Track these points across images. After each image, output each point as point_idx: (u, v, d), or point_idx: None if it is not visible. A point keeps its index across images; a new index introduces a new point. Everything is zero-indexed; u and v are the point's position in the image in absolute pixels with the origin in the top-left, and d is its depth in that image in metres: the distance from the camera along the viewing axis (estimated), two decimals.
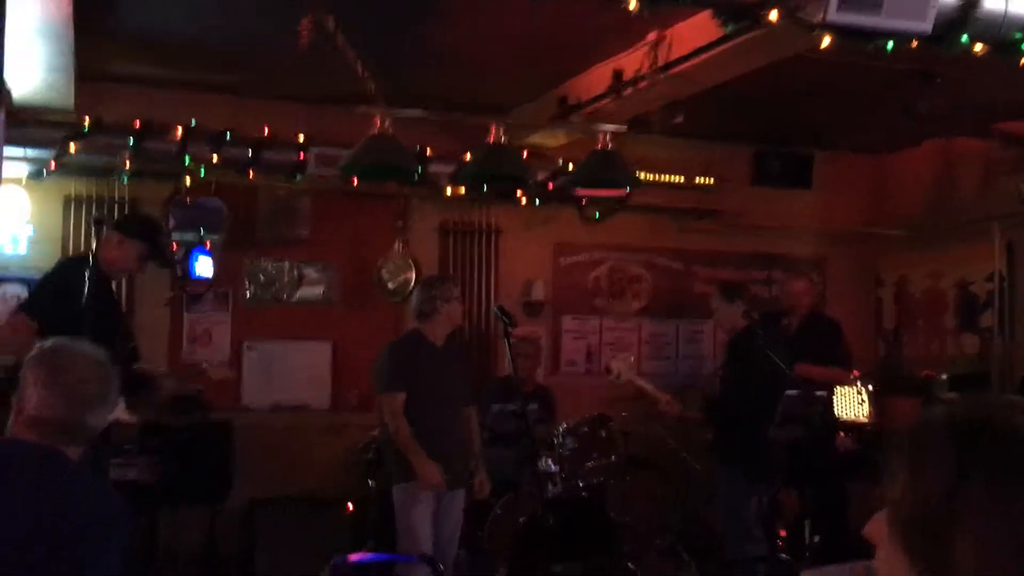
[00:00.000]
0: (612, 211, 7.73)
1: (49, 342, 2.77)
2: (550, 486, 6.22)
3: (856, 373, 7.63)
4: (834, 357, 6.88)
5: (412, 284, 7.65)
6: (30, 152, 6.53)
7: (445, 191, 7.36)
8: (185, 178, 6.92)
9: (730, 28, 3.84)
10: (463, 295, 7.65)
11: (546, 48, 6.05)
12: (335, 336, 7.74)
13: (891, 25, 3.75)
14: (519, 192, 7.43)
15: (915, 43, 4.01)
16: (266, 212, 7.40)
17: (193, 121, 6.73)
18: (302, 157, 6.89)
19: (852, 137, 8.51)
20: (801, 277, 7.38)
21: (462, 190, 7.27)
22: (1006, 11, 3.96)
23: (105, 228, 4.97)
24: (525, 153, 7.26)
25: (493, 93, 7.19)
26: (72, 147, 6.39)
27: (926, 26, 3.78)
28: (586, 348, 8.36)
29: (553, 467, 6.30)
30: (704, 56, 5.20)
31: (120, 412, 5.05)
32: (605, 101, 6.22)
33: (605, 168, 5.61)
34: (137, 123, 6.59)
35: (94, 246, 4.72)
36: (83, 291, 4.46)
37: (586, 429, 6.42)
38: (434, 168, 7.19)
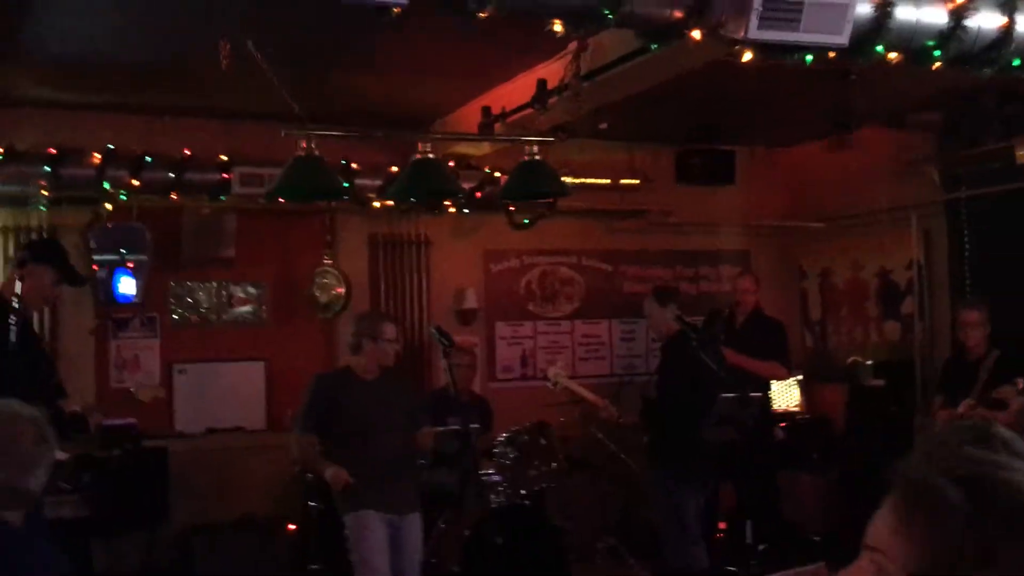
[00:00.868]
0: (540, 216, 7.76)
1: None
2: (492, 497, 6.24)
3: (791, 375, 7.82)
4: (775, 355, 7.03)
5: (343, 299, 7.61)
6: None
7: (372, 204, 7.32)
8: (105, 203, 6.76)
9: (654, 47, 3.89)
10: (394, 307, 7.68)
11: (469, 58, 6.05)
12: (268, 355, 7.66)
13: (809, 40, 3.84)
14: (447, 202, 7.43)
15: (832, 54, 4.11)
16: (191, 233, 7.26)
17: (111, 145, 6.59)
18: (225, 177, 6.79)
19: (771, 133, 8.67)
20: (748, 275, 7.54)
21: (390, 202, 7.24)
22: (918, 21, 4.08)
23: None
24: (451, 163, 7.28)
25: (416, 103, 7.17)
26: None
27: (843, 40, 3.87)
28: (521, 353, 8.39)
29: (495, 477, 6.32)
30: (626, 65, 5.26)
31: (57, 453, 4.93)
32: (529, 110, 6.23)
33: (534, 179, 5.64)
34: (52, 149, 6.43)
35: (18, 285, 4.55)
36: (6, 333, 4.33)
37: (526, 437, 6.47)
38: (361, 182, 7.17)
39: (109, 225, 6.91)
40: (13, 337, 4.33)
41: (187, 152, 6.80)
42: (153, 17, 5.05)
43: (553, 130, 6.45)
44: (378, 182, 7.20)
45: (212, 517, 7.02)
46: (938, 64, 4.26)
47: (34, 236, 6.87)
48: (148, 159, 6.63)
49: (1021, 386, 5.69)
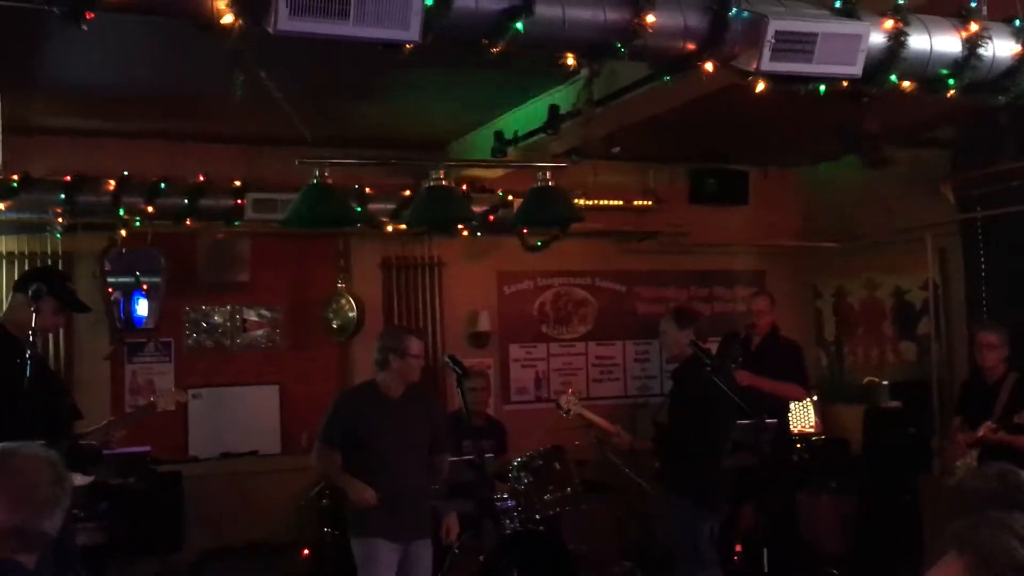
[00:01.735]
0: (554, 239, 7.76)
1: None
2: (507, 522, 6.22)
3: (810, 395, 7.75)
4: (793, 377, 6.96)
5: (355, 322, 7.62)
6: None
7: (386, 228, 7.33)
8: (120, 230, 6.79)
9: (667, 79, 3.89)
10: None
11: (481, 84, 6.06)
12: (282, 379, 7.68)
13: (822, 71, 3.83)
14: (460, 225, 7.43)
15: (846, 83, 4.10)
16: (205, 258, 7.29)
17: (126, 171, 6.63)
18: (239, 202, 6.81)
19: (785, 153, 8.65)
20: (763, 295, 7.44)
21: (403, 226, 7.26)
22: (931, 50, 4.06)
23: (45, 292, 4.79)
24: (464, 186, 7.29)
25: (429, 128, 7.20)
26: (1, 205, 6.24)
27: (856, 70, 3.87)
28: (535, 375, 8.38)
29: (509, 503, 6.30)
30: (639, 91, 5.26)
31: (76, 479, 4.96)
32: (542, 134, 6.24)
33: (547, 205, 5.64)
34: (68, 177, 6.47)
35: (34, 318, 4.56)
36: (22, 367, 4.33)
37: (540, 462, 6.45)
38: (374, 206, 7.18)
39: (124, 251, 6.95)
40: (28, 372, 4.33)
41: (202, 178, 6.83)
42: (167, 48, 5.08)
43: (566, 154, 6.47)
44: (391, 206, 7.20)
45: (227, 542, 7.04)
46: (952, 92, 4.24)
47: (49, 262, 6.92)
48: (163, 185, 6.66)
49: None
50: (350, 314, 7.64)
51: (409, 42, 3.39)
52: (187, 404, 7.33)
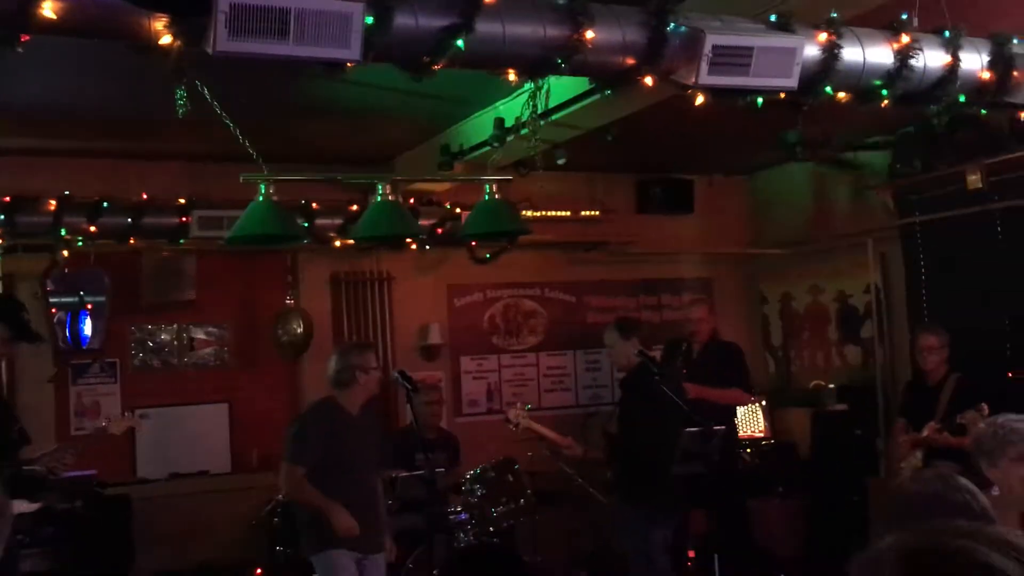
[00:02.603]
0: (502, 251, 7.78)
1: None
2: (461, 535, 6.22)
3: (754, 398, 7.85)
4: (735, 380, 7.06)
5: (305, 339, 7.58)
6: None
7: (334, 244, 7.31)
8: (62, 250, 6.70)
9: (608, 92, 3.94)
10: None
11: (427, 99, 6.07)
12: (231, 397, 7.61)
13: (759, 84, 3.90)
14: (408, 239, 7.43)
15: (783, 95, 4.17)
16: (150, 276, 7.22)
17: (67, 191, 6.54)
18: (184, 220, 6.75)
19: (727, 161, 8.77)
20: (700, 304, 7.57)
21: (351, 241, 7.23)
22: (864, 62, 4.16)
23: None
24: (412, 200, 7.29)
25: (376, 143, 7.19)
26: None
27: (792, 83, 3.94)
28: (487, 387, 8.39)
29: (463, 516, 6.31)
30: (582, 103, 5.31)
31: (22, 506, 4.88)
32: (488, 147, 6.27)
33: (493, 218, 5.64)
34: (7, 197, 6.37)
35: None
36: None
37: (493, 474, 6.46)
38: (321, 221, 7.15)
39: (67, 271, 6.85)
40: None
41: (145, 196, 6.76)
42: (107, 66, 5.03)
43: (513, 166, 6.50)
44: (338, 221, 7.18)
45: (178, 564, 6.95)
46: (885, 102, 4.34)
47: None
48: (105, 204, 6.58)
49: (986, 412, 5.75)
50: (299, 331, 7.59)
51: (350, 61, 3.40)
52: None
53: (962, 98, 4.46)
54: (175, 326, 7.53)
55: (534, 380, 8.57)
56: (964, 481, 2.42)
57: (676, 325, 8.70)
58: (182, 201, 6.82)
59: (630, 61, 3.80)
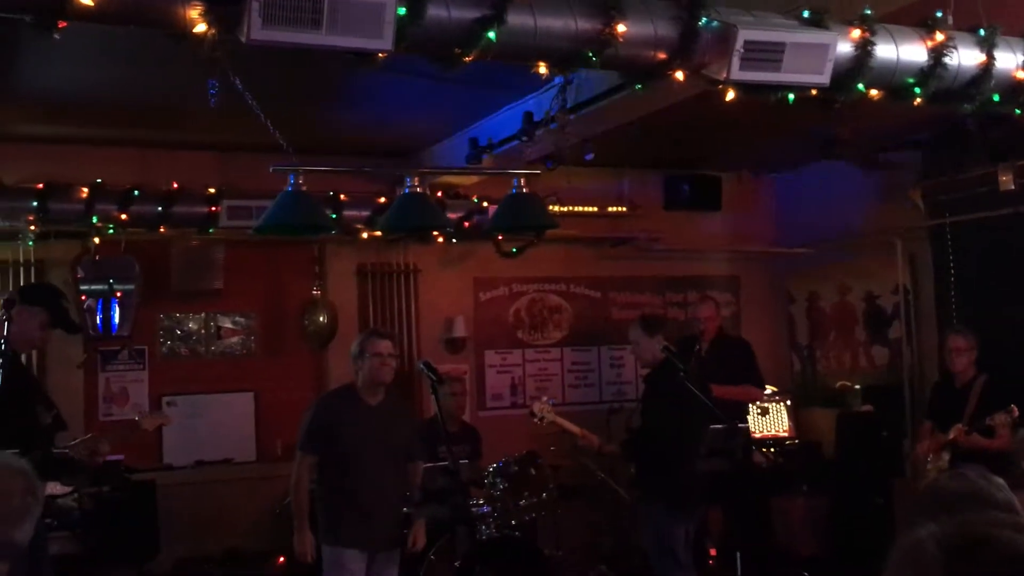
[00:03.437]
0: (529, 245, 7.79)
1: None
2: (483, 528, 6.24)
3: (765, 391, 7.78)
4: (745, 376, 7.04)
5: (330, 329, 7.61)
6: None
7: (361, 235, 7.34)
8: (93, 237, 6.76)
9: (638, 87, 3.93)
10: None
11: (456, 92, 6.08)
12: (257, 386, 7.66)
13: (791, 80, 3.89)
14: (435, 232, 7.45)
15: (814, 91, 4.15)
16: (179, 265, 7.27)
17: (99, 179, 6.60)
18: (214, 210, 6.80)
19: (756, 159, 8.72)
20: (707, 302, 7.52)
21: (378, 233, 7.27)
22: (898, 59, 4.13)
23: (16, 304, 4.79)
24: (439, 193, 7.31)
25: (404, 135, 7.22)
26: None
27: (824, 79, 3.92)
28: (511, 381, 8.40)
29: (485, 508, 6.32)
30: (612, 98, 5.30)
31: (54, 488, 4.94)
32: (516, 141, 6.27)
33: (521, 212, 5.65)
34: (41, 184, 6.44)
35: (6, 327, 4.55)
36: None
37: (516, 468, 6.48)
38: (349, 213, 7.19)
39: (97, 258, 6.92)
40: (1, 381, 4.32)
41: (175, 185, 6.82)
42: (140, 55, 5.07)
43: (540, 160, 6.49)
44: (366, 213, 7.22)
45: (202, 550, 7.02)
46: (918, 100, 4.30)
47: (22, 270, 6.88)
48: (136, 193, 6.64)
49: (1016, 414, 5.71)
50: (324, 321, 7.63)
51: (382, 51, 3.41)
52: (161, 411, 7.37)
53: (996, 97, 4.42)
54: (203, 314, 7.59)
55: (558, 375, 8.57)
56: (1000, 479, 2.40)
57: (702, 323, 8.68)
58: (212, 190, 6.88)
59: (661, 55, 3.80)
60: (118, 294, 7.11)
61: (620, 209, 8.48)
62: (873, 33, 4.06)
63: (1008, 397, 5.84)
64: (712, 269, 9.11)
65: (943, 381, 6.73)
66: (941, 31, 4.23)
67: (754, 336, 8.91)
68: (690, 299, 8.86)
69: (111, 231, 6.76)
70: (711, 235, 8.93)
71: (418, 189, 5.51)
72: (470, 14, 3.48)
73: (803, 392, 8.87)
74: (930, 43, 4.19)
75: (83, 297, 7.05)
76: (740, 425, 5.36)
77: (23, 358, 5.37)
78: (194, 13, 3.18)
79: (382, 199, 7.16)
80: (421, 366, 4.98)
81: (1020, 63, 4.45)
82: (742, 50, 3.69)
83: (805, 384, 8.97)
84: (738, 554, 5.86)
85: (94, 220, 6.57)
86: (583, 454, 6.68)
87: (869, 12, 4.08)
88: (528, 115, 6.05)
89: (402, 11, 3.35)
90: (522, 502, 6.41)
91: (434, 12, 3.43)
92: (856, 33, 4.05)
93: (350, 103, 6.38)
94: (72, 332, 5.60)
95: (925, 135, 7.52)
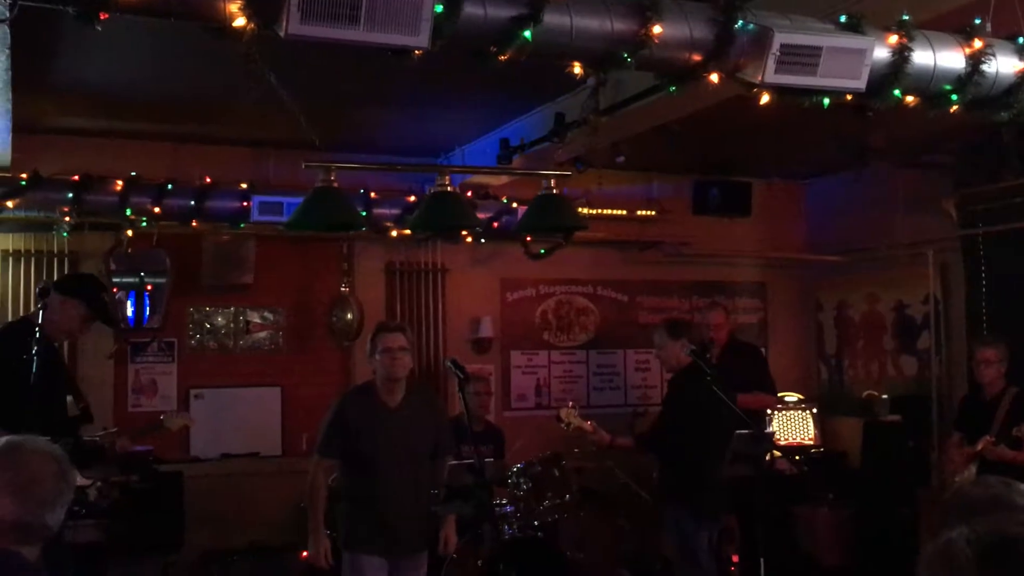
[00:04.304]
0: (557, 247, 7.80)
1: (2, 441, 2.73)
2: (505, 528, 6.24)
3: (777, 397, 7.71)
4: (757, 382, 6.98)
5: (357, 326, 7.65)
6: None
7: (390, 233, 7.37)
8: (126, 230, 6.83)
9: (673, 88, 3.93)
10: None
11: (488, 92, 6.10)
12: (284, 381, 7.71)
13: (826, 84, 3.87)
14: (464, 232, 7.47)
15: (850, 97, 4.13)
16: (210, 259, 7.32)
17: (134, 172, 6.67)
18: (245, 205, 6.85)
19: (786, 165, 8.69)
20: (716, 308, 7.41)
21: (408, 231, 7.29)
22: (935, 66, 4.10)
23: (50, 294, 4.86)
24: (469, 192, 7.33)
25: (435, 134, 7.24)
26: (10, 203, 6.28)
27: (860, 84, 3.90)
28: (536, 382, 8.41)
29: (508, 508, 6.33)
30: (644, 101, 5.29)
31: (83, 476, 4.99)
32: (547, 142, 6.27)
33: (551, 213, 5.66)
34: (76, 176, 6.52)
35: (40, 315, 4.61)
36: (30, 362, 4.37)
37: (539, 469, 6.47)
38: (379, 211, 7.23)
39: (130, 250, 6.99)
40: (34, 368, 4.37)
41: (208, 180, 6.88)
42: (177, 50, 5.13)
43: (571, 162, 6.50)
44: (396, 211, 7.25)
45: (227, 542, 7.06)
46: (955, 108, 4.27)
47: (56, 261, 6.97)
48: (170, 186, 6.71)
49: None
50: (351, 318, 7.66)
51: (418, 48, 3.43)
52: (189, 405, 7.43)
53: None
54: (232, 309, 7.65)
55: (583, 377, 8.57)
56: (1022, 486, 2.39)
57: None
58: (244, 186, 6.93)
59: (696, 57, 3.79)
60: (149, 287, 7.18)
61: (649, 213, 8.47)
62: (911, 39, 4.04)
63: None
64: (740, 275, 9.08)
65: (972, 393, 6.67)
66: (979, 38, 4.20)
67: (781, 343, 8.91)
68: (718, 304, 8.83)
69: (144, 224, 6.83)
70: (740, 241, 8.90)
71: (448, 188, 5.53)
72: (506, 13, 3.49)
73: (830, 401, 8.82)
74: (968, 50, 4.16)
75: (115, 289, 7.13)
76: (767, 431, 5.32)
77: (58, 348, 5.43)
78: (234, 7, 3.21)
79: (412, 198, 7.19)
80: (448, 364, 4.96)
81: None
82: (778, 53, 3.68)
83: (832, 393, 8.92)
84: (762, 560, 5.83)
85: (128, 213, 6.64)
86: (609, 457, 6.67)
87: (907, 18, 4.05)
88: (560, 116, 6.05)
89: (439, 8, 3.36)
90: (545, 503, 6.41)
91: (470, 10, 3.44)
92: (893, 39, 4.03)
93: (383, 102, 6.41)
94: (110, 325, 5.65)
95: (959, 144, 7.47)
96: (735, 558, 7.20)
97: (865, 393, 8.51)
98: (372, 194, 7.16)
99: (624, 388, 8.69)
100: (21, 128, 5.73)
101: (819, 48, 3.76)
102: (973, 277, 7.55)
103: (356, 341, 7.70)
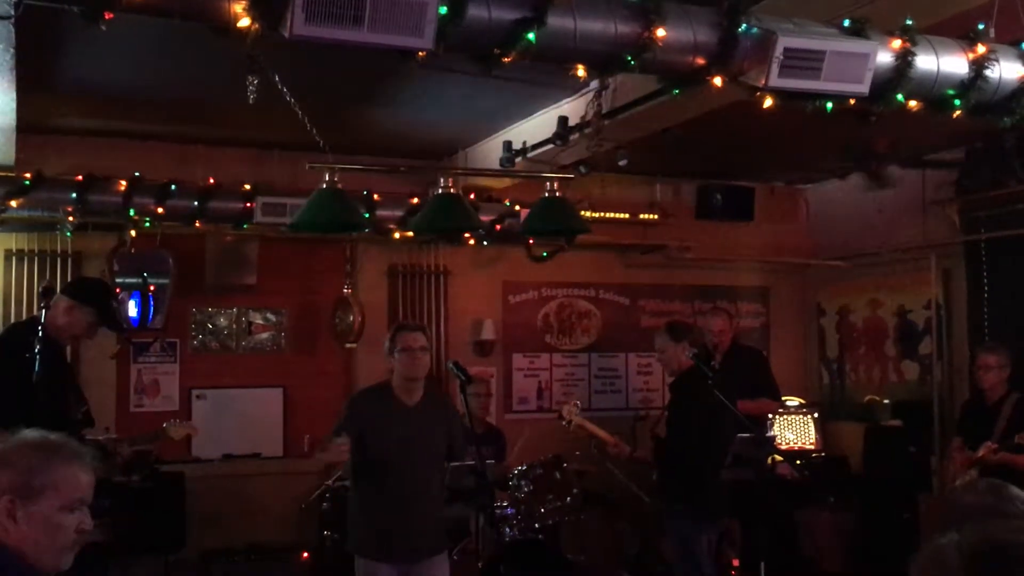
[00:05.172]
0: (559, 250, 7.80)
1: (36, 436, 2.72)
2: (506, 530, 6.24)
3: (781, 402, 7.69)
4: (761, 386, 6.95)
5: (360, 328, 7.65)
6: None
7: (393, 235, 7.38)
8: (130, 230, 6.85)
9: (676, 92, 3.94)
10: None
11: (491, 94, 6.11)
12: (286, 382, 7.72)
13: (830, 88, 3.87)
14: (467, 234, 7.47)
15: (853, 101, 4.14)
16: (213, 260, 7.34)
17: (137, 172, 6.69)
18: (248, 206, 6.86)
19: (789, 170, 8.70)
20: (719, 313, 7.33)
21: (410, 233, 7.30)
22: (938, 71, 4.10)
23: (55, 294, 4.86)
24: (471, 195, 7.33)
25: (438, 136, 7.25)
26: (13, 203, 6.30)
27: (863, 88, 3.91)
28: (538, 385, 8.42)
29: (509, 511, 6.33)
30: (647, 104, 5.30)
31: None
32: (550, 145, 6.28)
33: (554, 216, 5.67)
34: (80, 176, 6.53)
35: (43, 314, 4.62)
36: (32, 360, 4.38)
37: (541, 471, 6.47)
38: (382, 212, 7.22)
39: (133, 251, 7.00)
40: (37, 367, 4.38)
41: (212, 181, 6.89)
42: (181, 51, 5.14)
43: (573, 165, 6.51)
44: (399, 213, 7.26)
45: (228, 543, 7.07)
46: (958, 112, 4.28)
47: (59, 260, 6.98)
48: (173, 187, 6.71)
49: None
50: (354, 320, 7.67)
51: (422, 50, 3.44)
52: (191, 404, 7.45)
53: None
54: (234, 310, 7.66)
55: (585, 380, 8.58)
56: (1016, 490, 2.40)
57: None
58: (247, 187, 6.94)
59: (700, 61, 3.79)
60: (152, 287, 7.19)
61: (652, 217, 8.48)
62: (914, 43, 4.04)
63: None
64: (742, 279, 9.08)
65: (973, 398, 6.66)
66: (983, 43, 4.20)
67: (783, 347, 8.91)
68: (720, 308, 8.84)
69: (147, 224, 6.83)
70: (742, 245, 8.91)
71: (451, 190, 5.54)
72: (510, 15, 3.50)
73: (831, 405, 8.82)
74: (971, 55, 4.16)
75: (117, 289, 7.14)
76: (768, 435, 5.32)
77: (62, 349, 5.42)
78: (238, 8, 3.22)
79: (415, 200, 7.20)
80: (450, 366, 4.95)
81: None
82: (781, 57, 3.69)
83: (833, 397, 8.92)
84: (763, 565, 5.82)
85: (131, 213, 6.63)
86: (609, 459, 6.66)
87: (911, 22, 4.06)
88: (563, 119, 6.05)
89: (443, 10, 3.37)
90: (546, 505, 6.41)
91: (475, 12, 3.45)
92: (897, 43, 4.03)
93: (387, 104, 6.42)
94: (120, 331, 5.63)
95: (962, 150, 7.47)
96: (736, 562, 7.19)
97: (867, 398, 8.51)
98: (375, 196, 7.16)
99: (626, 392, 8.69)
100: (25, 128, 5.76)
101: (823, 52, 3.77)
102: (975, 283, 7.55)
103: (358, 343, 7.72)
